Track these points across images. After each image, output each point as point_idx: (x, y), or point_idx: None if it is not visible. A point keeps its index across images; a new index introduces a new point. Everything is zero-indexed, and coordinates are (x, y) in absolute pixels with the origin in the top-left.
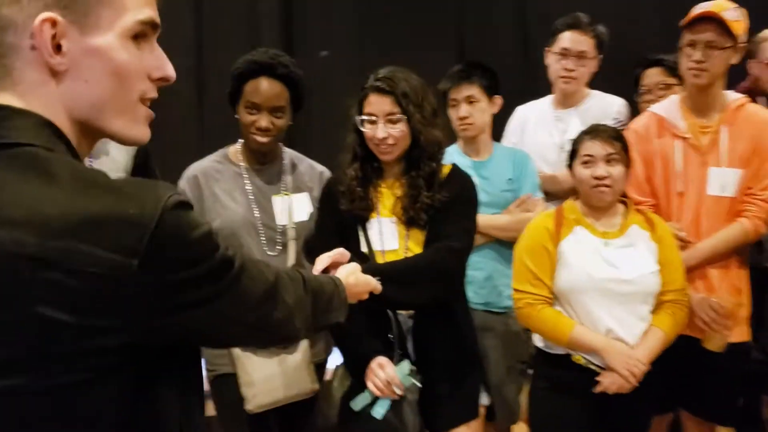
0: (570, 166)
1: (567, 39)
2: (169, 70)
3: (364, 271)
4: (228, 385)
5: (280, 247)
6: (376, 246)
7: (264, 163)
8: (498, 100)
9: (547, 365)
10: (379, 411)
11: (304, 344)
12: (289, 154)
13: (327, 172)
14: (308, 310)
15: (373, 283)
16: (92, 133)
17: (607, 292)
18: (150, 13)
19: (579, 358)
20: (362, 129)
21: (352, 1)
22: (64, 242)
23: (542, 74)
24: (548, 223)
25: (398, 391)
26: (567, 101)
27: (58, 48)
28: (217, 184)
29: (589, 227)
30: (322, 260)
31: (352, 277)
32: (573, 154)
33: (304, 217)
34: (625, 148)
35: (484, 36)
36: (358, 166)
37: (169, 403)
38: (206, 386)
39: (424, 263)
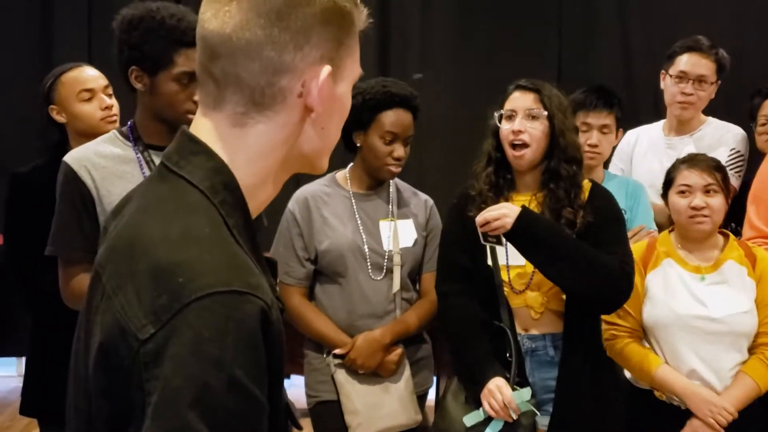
0: (665, 195)
1: (686, 62)
2: None
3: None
4: (331, 412)
5: (385, 272)
6: (502, 260)
7: (372, 189)
8: (621, 134)
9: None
10: None
11: (406, 374)
12: (394, 181)
13: (430, 201)
14: None
15: None
16: (297, 167)
17: (693, 329)
18: None
19: (661, 394)
20: (499, 125)
21: (451, 24)
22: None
23: (645, 98)
24: (637, 254)
25: (514, 416)
26: (681, 128)
27: None
28: (327, 207)
29: (680, 261)
30: None
31: None
32: (669, 184)
33: (409, 243)
34: (725, 178)
35: (584, 58)
36: (492, 171)
37: None
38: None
39: (602, 261)
